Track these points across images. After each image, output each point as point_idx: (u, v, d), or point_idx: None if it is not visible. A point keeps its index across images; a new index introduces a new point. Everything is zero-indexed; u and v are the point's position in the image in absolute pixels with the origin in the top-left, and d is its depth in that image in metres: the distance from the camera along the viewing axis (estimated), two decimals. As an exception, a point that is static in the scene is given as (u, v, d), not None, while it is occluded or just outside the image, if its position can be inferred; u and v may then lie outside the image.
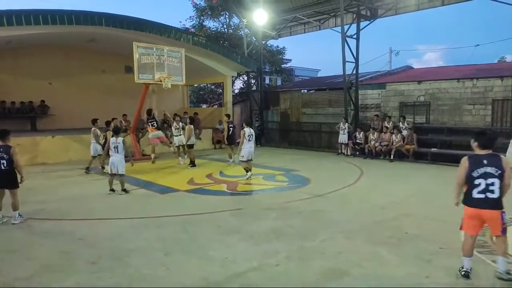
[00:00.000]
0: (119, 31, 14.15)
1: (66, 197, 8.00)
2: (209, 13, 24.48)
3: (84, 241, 5.28)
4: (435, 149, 13.13)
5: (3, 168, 6.01)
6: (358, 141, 14.72)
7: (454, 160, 12.30)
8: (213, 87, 29.11)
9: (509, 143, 11.24)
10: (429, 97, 15.11)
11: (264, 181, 9.80)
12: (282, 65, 28.94)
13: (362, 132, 14.75)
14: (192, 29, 24.36)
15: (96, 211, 6.94)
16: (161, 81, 12.77)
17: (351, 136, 14.92)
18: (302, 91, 19.99)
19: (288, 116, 19.55)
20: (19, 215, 6.19)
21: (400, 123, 14.27)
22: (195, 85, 26.54)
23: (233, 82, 22.15)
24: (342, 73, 15.86)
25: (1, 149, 6.05)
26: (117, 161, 8.07)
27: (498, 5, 12.31)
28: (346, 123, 15.09)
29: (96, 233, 5.64)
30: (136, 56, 12.27)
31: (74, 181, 9.83)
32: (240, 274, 4.18)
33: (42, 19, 12.25)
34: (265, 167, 11.73)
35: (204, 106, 27.81)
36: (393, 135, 13.68)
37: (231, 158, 12.66)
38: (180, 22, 37.40)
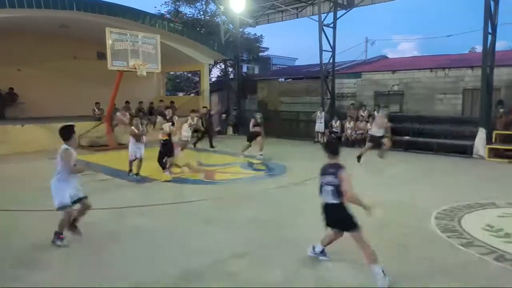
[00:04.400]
0: (90, 16, 13.66)
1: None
2: (185, -2, 24.01)
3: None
4: (408, 137, 13.46)
5: None
6: (334, 129, 14.91)
7: (426, 148, 12.77)
8: (189, 75, 28.71)
9: (477, 131, 11.68)
10: (403, 86, 15.44)
11: (242, 169, 9.82)
12: (260, 54, 28.80)
13: (338, 121, 14.95)
14: (167, 15, 23.83)
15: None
16: (135, 68, 12.47)
17: (327, 124, 15.10)
18: (280, 79, 20.01)
19: (266, 105, 19.54)
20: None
21: (375, 112, 14.53)
22: (171, 72, 26.09)
23: (210, 70, 21.90)
24: (319, 62, 15.94)
25: None
26: None
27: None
28: (323, 112, 15.25)
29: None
30: (109, 42, 11.91)
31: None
32: (221, 263, 4.19)
33: (8, 2, 11.67)
34: (243, 155, 11.74)
35: (181, 94, 27.43)
36: (368, 124, 13.93)
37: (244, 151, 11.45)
38: (155, 7, 36.41)
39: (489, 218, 5.70)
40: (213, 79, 25.36)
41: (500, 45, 13.72)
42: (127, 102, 16.24)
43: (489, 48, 11.83)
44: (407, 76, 15.44)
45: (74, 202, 4.71)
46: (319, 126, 15.18)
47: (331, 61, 16.24)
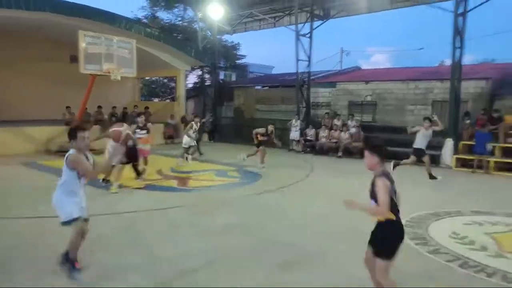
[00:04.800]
0: (64, 18, 13.34)
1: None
2: (163, 3, 23.86)
3: (22, 238, 4.95)
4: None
5: None
6: (309, 138, 15.10)
7: (396, 157, 13.07)
8: (165, 80, 28.44)
9: (444, 141, 12.08)
10: (376, 97, 15.83)
11: (216, 177, 9.76)
12: (237, 61, 28.92)
13: (313, 129, 15.15)
14: (144, 20, 23.60)
15: (40, 208, 6.52)
16: (109, 72, 12.23)
17: (302, 133, 15.28)
18: (256, 87, 20.12)
19: (242, 112, 19.59)
20: None
21: (349, 121, 14.82)
22: (146, 78, 25.77)
23: (186, 76, 21.79)
24: (295, 71, 16.16)
25: None
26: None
27: (439, 11, 13.13)
28: (298, 120, 15.42)
29: (39, 231, 5.31)
30: (82, 45, 11.63)
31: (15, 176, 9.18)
32: (190, 272, 4.13)
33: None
34: (217, 163, 11.70)
35: (156, 100, 27.11)
36: (342, 133, 14.19)
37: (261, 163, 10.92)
38: (132, 12, 36.01)
39: (454, 226, 5.89)
40: (190, 86, 25.25)
41: (467, 59, 14.35)
42: (99, 107, 15.91)
43: (457, 62, 12.34)
44: (379, 87, 15.86)
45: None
46: (294, 134, 15.33)
47: (307, 70, 16.49)
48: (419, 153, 9.68)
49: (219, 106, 20.03)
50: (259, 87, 20.27)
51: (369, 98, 15.95)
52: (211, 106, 19.88)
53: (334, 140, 14.31)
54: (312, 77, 17.14)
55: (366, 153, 3.16)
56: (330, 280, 3.99)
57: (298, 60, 15.87)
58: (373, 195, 3.10)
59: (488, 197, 8.12)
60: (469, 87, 13.55)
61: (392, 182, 3.11)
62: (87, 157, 3.91)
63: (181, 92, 18.79)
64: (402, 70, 18.80)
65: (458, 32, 12.20)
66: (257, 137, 10.90)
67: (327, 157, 13.90)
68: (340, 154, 13.79)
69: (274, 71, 33.57)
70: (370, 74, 18.68)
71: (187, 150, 11.27)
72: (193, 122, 11.41)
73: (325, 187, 8.93)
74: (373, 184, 3.12)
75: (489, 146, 11.08)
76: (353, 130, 14.27)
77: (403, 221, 5.91)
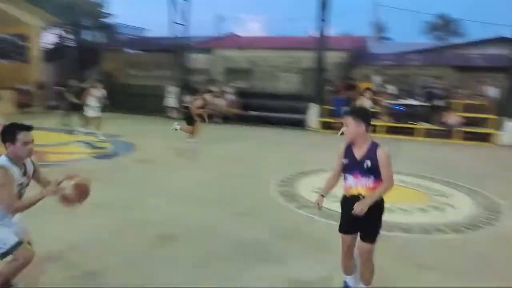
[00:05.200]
0: None
1: None
2: None
3: None
4: (256, 112, 14.35)
5: None
6: (186, 104, 14.78)
7: (271, 122, 13.88)
8: (16, 39, 24.18)
9: (310, 106, 13.15)
10: (251, 64, 16.25)
11: (81, 149, 8.85)
12: (104, 20, 26.14)
13: (190, 96, 14.85)
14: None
15: None
16: None
17: (179, 100, 14.88)
18: (128, 51, 18.67)
19: (112, 78, 17.99)
20: None
21: (226, 87, 14.95)
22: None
23: (44, 36, 18.85)
24: (170, 35, 15.41)
25: None
26: None
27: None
28: (174, 87, 14.93)
29: None
30: None
31: None
32: (56, 255, 3.64)
33: None
34: (85, 133, 10.61)
35: (5, 61, 22.96)
36: (220, 99, 14.26)
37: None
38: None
39: (319, 182, 6.52)
40: (49, 46, 21.97)
41: (331, 32, 15.66)
42: None
43: (322, 34, 13.39)
44: (255, 54, 16.29)
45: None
46: (171, 101, 14.85)
47: (183, 35, 15.86)
48: None
49: (84, 71, 17.98)
50: (131, 51, 18.80)
51: (245, 65, 16.28)
52: (74, 71, 17.70)
53: (212, 107, 14.31)
54: (188, 42, 16.60)
55: (350, 120, 2.80)
56: (216, 248, 4.01)
57: (173, 23, 15.13)
58: (373, 168, 2.77)
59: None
60: (332, 57, 14.89)
61: None
62: (25, 169, 2.77)
63: (35, 53, 16.27)
64: (275, 39, 19.60)
65: (324, 6, 13.18)
66: (196, 112, 9.71)
67: (205, 124, 13.85)
68: (218, 120, 13.89)
69: (149, 35, 31.51)
70: (246, 42, 19.01)
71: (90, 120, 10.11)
72: (91, 89, 10.13)
73: (206, 154, 8.90)
74: (368, 157, 2.78)
75: (345, 110, 12.53)
76: (230, 96, 14.47)
77: (276, 182, 6.39)
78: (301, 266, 3.64)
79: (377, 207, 2.78)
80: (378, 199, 2.76)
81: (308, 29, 34.46)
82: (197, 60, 17.04)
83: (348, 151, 2.88)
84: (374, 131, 12.48)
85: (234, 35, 21.59)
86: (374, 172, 2.74)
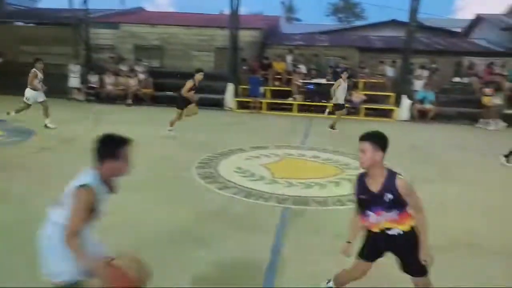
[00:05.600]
0: None
1: None
2: None
3: None
4: (171, 92, 13.81)
5: None
6: (92, 85, 13.65)
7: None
8: None
9: (226, 86, 13.18)
10: (162, 41, 15.54)
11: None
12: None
13: (96, 76, 13.74)
14: None
15: None
16: None
17: (84, 79, 13.66)
18: (18, 23, 16.47)
19: (1, 55, 15.74)
20: None
21: (136, 66, 14.11)
22: None
23: None
24: (68, 7, 13.91)
25: None
26: None
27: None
28: (77, 65, 13.65)
29: None
30: None
31: None
32: None
33: None
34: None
35: None
36: (130, 79, 13.43)
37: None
38: None
39: (238, 162, 6.58)
40: None
41: (242, 10, 15.59)
42: None
43: (235, 12, 13.25)
44: (166, 31, 15.59)
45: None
46: (74, 81, 13.56)
47: (83, 7, 14.42)
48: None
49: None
50: (21, 23, 16.58)
51: (156, 43, 15.49)
52: None
53: (122, 87, 13.43)
54: (90, 16, 15.18)
55: (368, 146, 2.43)
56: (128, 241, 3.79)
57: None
58: (395, 201, 2.40)
59: (262, 134, 9.42)
60: (245, 36, 14.90)
61: None
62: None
63: None
64: (187, 15, 18.91)
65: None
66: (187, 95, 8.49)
67: (115, 105, 12.98)
68: (129, 101, 13.11)
69: (41, 6, 28.09)
70: (156, 17, 18.04)
71: (29, 106, 8.75)
72: (35, 69, 8.71)
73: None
74: (387, 189, 2.40)
75: (261, 89, 12.76)
76: (141, 76, 13.70)
77: (195, 163, 6.27)
78: (225, 247, 3.64)
79: (414, 240, 2.46)
80: (410, 231, 2.45)
81: (220, 7, 34.04)
82: (102, 36, 15.74)
83: (361, 184, 2.51)
84: (286, 109, 12.96)
85: (142, 10, 20.33)
86: (397, 204, 2.41)
